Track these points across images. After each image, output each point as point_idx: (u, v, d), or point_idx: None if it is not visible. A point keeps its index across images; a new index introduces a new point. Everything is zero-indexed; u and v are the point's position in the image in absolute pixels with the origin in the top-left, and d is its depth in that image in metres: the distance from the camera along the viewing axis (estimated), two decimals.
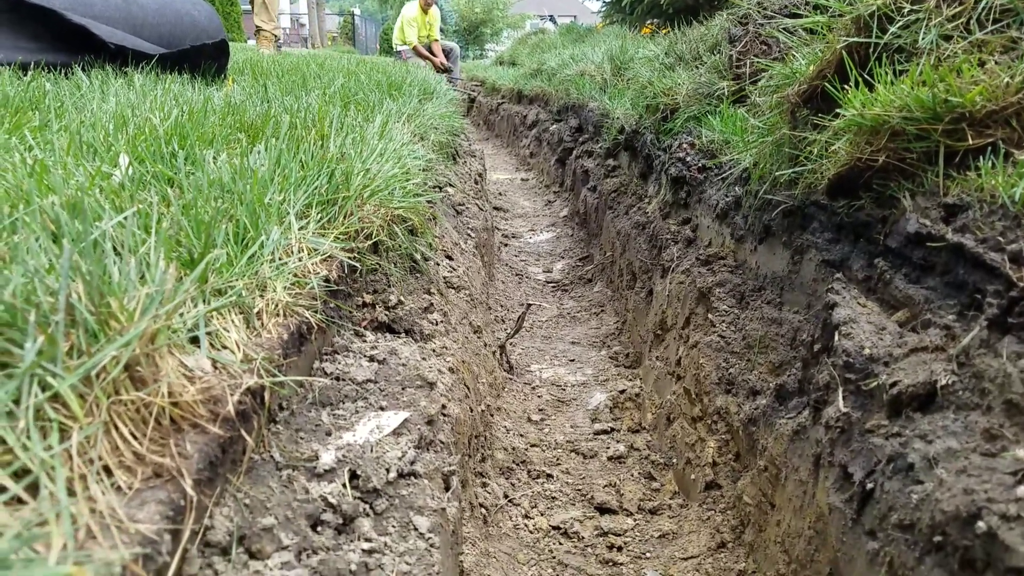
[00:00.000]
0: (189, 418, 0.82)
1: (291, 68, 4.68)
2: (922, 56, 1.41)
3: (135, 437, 0.75)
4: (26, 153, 1.40)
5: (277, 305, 1.13)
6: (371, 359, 1.40)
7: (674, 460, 2.30)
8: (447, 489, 1.22)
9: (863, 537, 1.13)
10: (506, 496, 2.10)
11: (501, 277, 4.23)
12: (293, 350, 1.14)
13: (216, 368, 0.90)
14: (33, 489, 0.65)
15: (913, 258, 1.29)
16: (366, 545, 0.95)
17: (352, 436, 1.13)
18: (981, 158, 1.20)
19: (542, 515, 2.08)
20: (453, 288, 2.28)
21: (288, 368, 1.09)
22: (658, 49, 4.55)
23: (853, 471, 1.20)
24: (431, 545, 1.02)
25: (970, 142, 1.23)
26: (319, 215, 1.44)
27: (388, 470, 1.09)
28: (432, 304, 1.82)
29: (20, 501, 0.64)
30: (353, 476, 1.04)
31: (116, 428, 0.74)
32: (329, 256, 1.36)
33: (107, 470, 0.72)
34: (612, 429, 2.61)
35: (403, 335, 1.59)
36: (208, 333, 0.94)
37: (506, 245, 5.04)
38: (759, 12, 2.75)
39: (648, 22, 8.70)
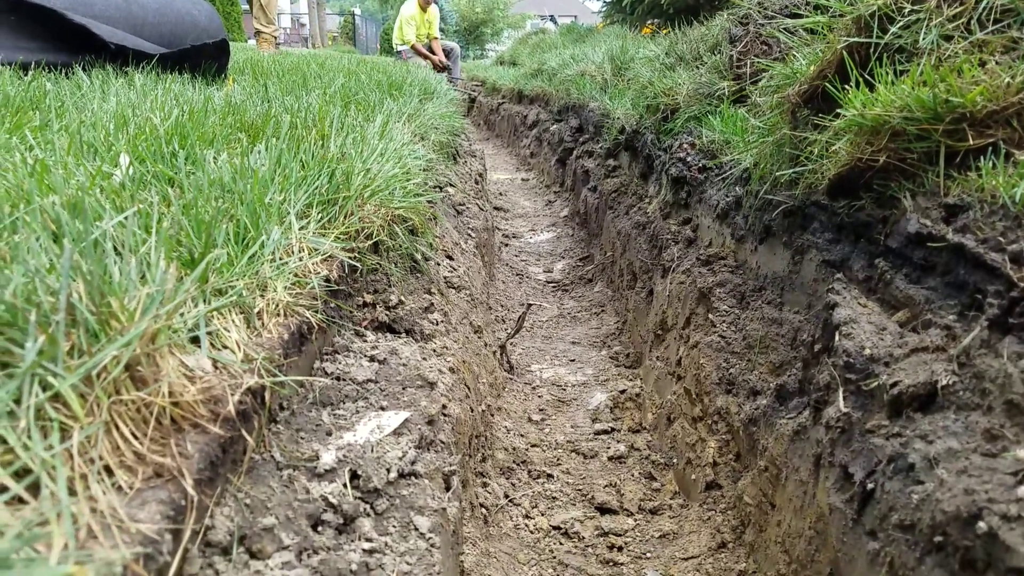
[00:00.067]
0: (190, 418, 0.82)
1: (291, 68, 4.68)
2: (923, 56, 1.41)
3: (136, 437, 0.75)
4: (27, 153, 1.40)
5: (278, 305, 1.13)
6: (372, 359, 1.40)
7: (674, 460, 2.30)
8: (448, 489, 1.22)
9: (864, 537, 1.13)
10: (506, 496, 2.10)
11: (502, 277, 4.23)
12: (294, 350, 1.14)
13: (217, 368, 0.90)
14: (34, 489, 0.65)
15: (914, 258, 1.29)
16: (367, 545, 0.95)
17: (353, 436, 1.13)
18: (982, 158, 1.20)
19: (543, 515, 2.08)
20: (454, 288, 2.28)
21: (289, 368, 1.09)
22: (658, 49, 4.55)
23: (854, 471, 1.20)
24: (432, 545, 1.02)
25: (971, 142, 1.23)
26: (319, 215, 1.44)
27: (389, 470, 1.09)
28: (432, 304, 1.82)
29: (21, 501, 0.64)
30: (354, 476, 1.04)
31: (117, 428, 0.74)
32: (329, 256, 1.36)
33: (108, 470, 0.72)
34: (613, 429, 2.61)
35: (404, 335, 1.59)
36: (209, 333, 0.94)
37: (507, 245, 5.04)
38: (760, 12, 2.75)
39: (649, 22, 8.70)
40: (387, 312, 1.60)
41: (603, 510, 2.12)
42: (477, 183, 4.20)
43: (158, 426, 0.78)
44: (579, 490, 2.22)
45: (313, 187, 1.50)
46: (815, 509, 1.37)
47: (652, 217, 3.36)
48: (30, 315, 0.72)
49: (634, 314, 3.30)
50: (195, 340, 0.90)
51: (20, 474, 0.65)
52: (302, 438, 1.08)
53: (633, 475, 2.31)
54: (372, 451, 1.11)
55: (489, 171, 6.11)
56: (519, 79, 9.92)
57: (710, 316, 2.27)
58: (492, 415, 2.43)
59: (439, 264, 2.24)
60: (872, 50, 1.55)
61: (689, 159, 2.95)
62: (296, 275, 1.21)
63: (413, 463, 1.14)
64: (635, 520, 2.08)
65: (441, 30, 11.14)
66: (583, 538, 2.00)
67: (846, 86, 1.51)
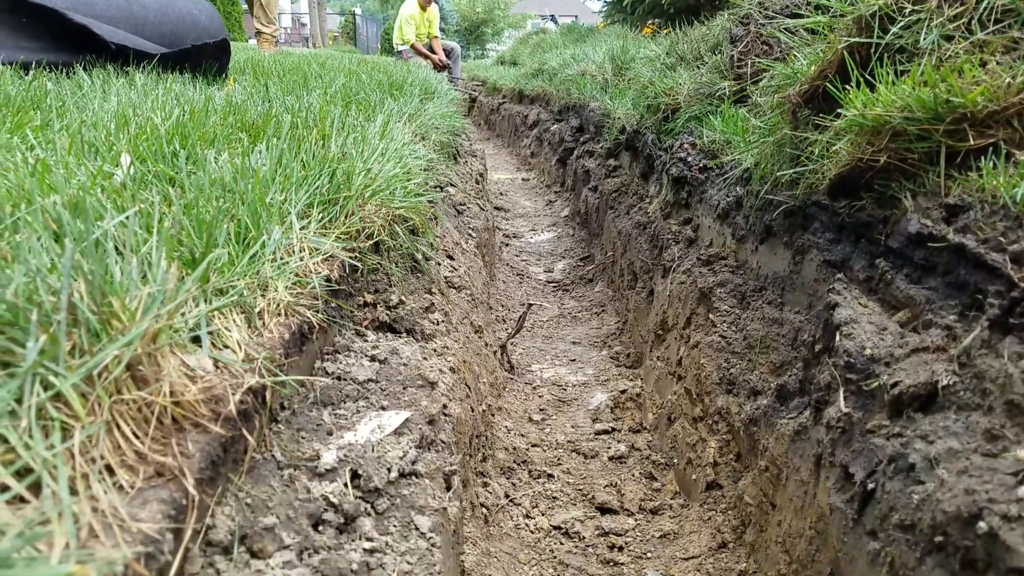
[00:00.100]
0: (191, 417, 0.82)
1: (292, 68, 4.68)
2: (923, 56, 1.41)
3: (137, 436, 0.75)
4: (28, 152, 1.41)
5: (278, 305, 1.13)
6: (372, 359, 1.40)
7: (675, 460, 2.30)
8: (448, 489, 1.23)
9: (864, 537, 1.13)
10: (507, 496, 2.11)
11: (502, 277, 4.23)
12: (294, 350, 1.14)
13: (218, 367, 0.90)
14: (35, 488, 0.65)
15: (914, 258, 1.29)
16: (367, 544, 0.95)
17: (353, 436, 1.13)
18: (982, 158, 1.20)
19: (543, 515, 2.08)
20: (454, 288, 2.28)
21: (289, 368, 1.09)
22: (659, 49, 4.55)
23: (854, 471, 1.20)
24: (432, 545, 1.02)
25: (971, 142, 1.23)
26: (320, 215, 1.44)
27: (389, 470, 1.09)
28: (433, 304, 1.82)
29: (22, 500, 0.64)
30: (354, 476, 1.04)
31: (118, 427, 0.74)
32: (330, 256, 1.36)
33: (109, 469, 0.72)
34: (613, 429, 2.61)
35: (404, 335, 1.59)
36: (210, 332, 0.94)
37: (507, 245, 5.04)
38: (760, 12, 2.75)
39: (649, 22, 8.70)
40: (388, 312, 1.60)
41: (604, 510, 2.12)
42: (478, 183, 4.20)
43: (159, 425, 0.78)
44: (580, 490, 2.22)
45: (314, 187, 1.50)
46: (816, 509, 1.37)
47: (653, 217, 3.36)
48: (31, 315, 0.72)
49: (635, 314, 3.30)
50: (196, 340, 0.90)
51: (21, 473, 0.65)
52: (303, 438, 1.08)
53: (634, 475, 2.31)
54: (373, 451, 1.11)
55: (490, 171, 6.11)
56: (520, 79, 9.92)
57: (711, 316, 2.27)
58: (493, 415, 2.43)
59: (440, 264, 2.24)
60: (873, 50, 1.55)
61: (690, 159, 2.95)
62: (297, 275, 1.21)
63: (414, 463, 1.14)
64: (636, 520, 2.08)
65: (442, 29, 11.13)
66: (584, 538, 2.00)
67: (847, 86, 1.51)
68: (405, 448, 1.15)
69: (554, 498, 2.18)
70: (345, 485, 1.02)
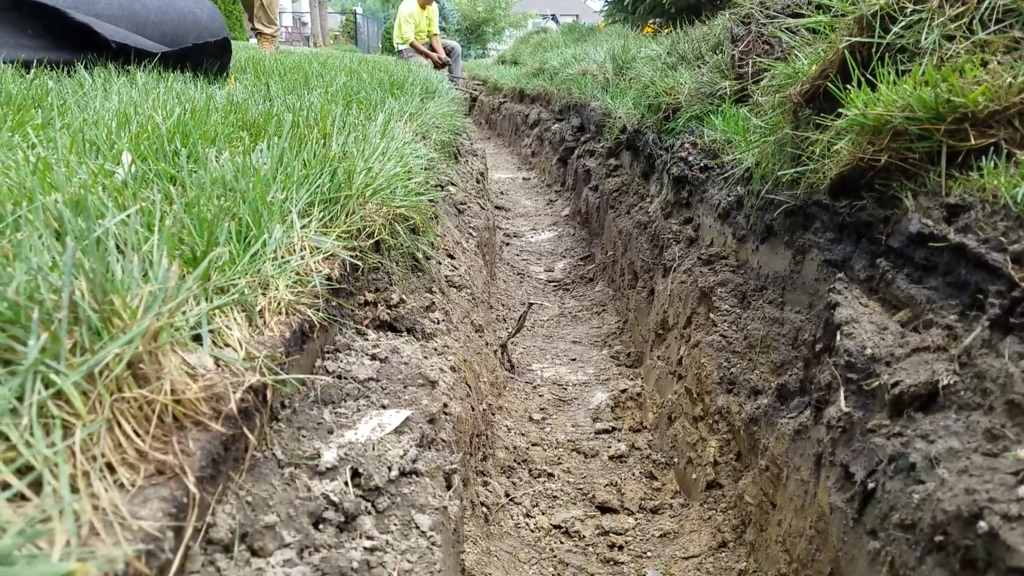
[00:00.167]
0: (192, 416, 0.82)
1: (293, 67, 4.69)
2: (925, 56, 1.41)
3: (138, 434, 0.75)
4: (29, 151, 1.41)
5: (279, 303, 1.13)
6: (373, 357, 1.40)
7: (675, 459, 2.30)
8: (449, 487, 1.23)
9: (864, 537, 1.13)
10: (507, 495, 2.11)
11: (503, 276, 4.23)
12: (295, 348, 1.14)
13: (218, 366, 0.91)
14: (36, 486, 0.65)
15: (915, 258, 1.29)
16: (368, 543, 0.96)
17: (354, 434, 1.13)
18: (983, 158, 1.20)
19: (543, 514, 2.08)
20: (455, 287, 2.28)
21: (290, 366, 1.09)
22: (660, 48, 4.55)
23: (854, 471, 1.20)
24: (432, 543, 1.02)
25: (972, 142, 1.23)
26: (321, 214, 1.44)
27: (390, 468, 1.09)
28: (434, 303, 1.83)
29: (23, 498, 0.64)
30: (355, 474, 1.05)
31: (119, 425, 0.74)
32: (331, 254, 1.36)
33: (110, 467, 0.72)
34: (613, 428, 2.61)
35: (405, 334, 1.59)
36: (211, 331, 0.94)
37: (508, 244, 5.04)
38: (761, 12, 2.75)
39: (650, 21, 8.70)
40: (388, 311, 1.60)
41: (604, 509, 2.12)
42: (478, 182, 4.20)
43: (160, 424, 0.79)
44: (580, 489, 2.23)
45: (315, 186, 1.50)
46: (816, 508, 1.37)
47: (653, 216, 3.36)
48: (33, 313, 0.72)
49: (635, 313, 3.30)
50: (197, 338, 0.90)
51: (22, 471, 0.65)
52: (303, 436, 1.08)
53: (634, 474, 2.31)
54: (373, 449, 1.11)
55: (490, 170, 6.11)
56: (520, 78, 9.92)
57: (711, 315, 2.27)
58: (493, 414, 2.43)
59: (440, 263, 2.24)
60: (874, 50, 1.55)
61: (691, 158, 2.95)
62: (298, 273, 1.21)
63: (414, 461, 1.14)
64: (636, 519, 2.08)
65: (443, 28, 11.14)
66: (584, 537, 2.00)
67: (848, 86, 1.51)
68: (406, 447, 1.15)
69: (554, 497, 2.18)
70: (346, 484, 1.02)
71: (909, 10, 1.52)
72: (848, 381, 1.29)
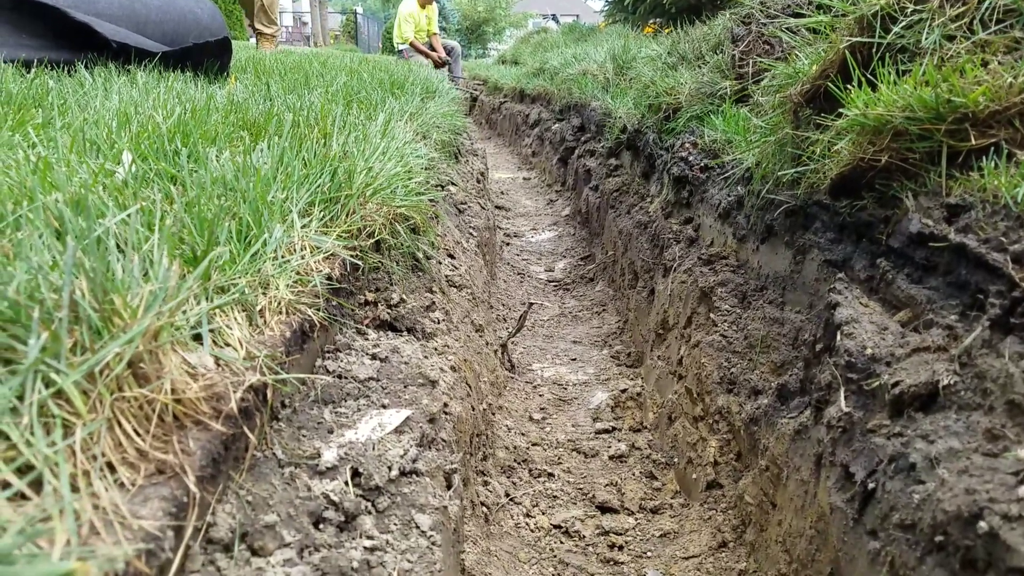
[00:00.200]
0: (192, 415, 0.82)
1: (293, 66, 4.68)
2: (925, 56, 1.41)
3: (138, 434, 0.75)
4: (29, 150, 1.41)
5: (280, 303, 1.13)
6: (373, 357, 1.40)
7: (675, 459, 2.30)
8: (449, 487, 1.23)
9: (864, 537, 1.13)
10: (507, 495, 2.11)
11: (503, 276, 4.23)
12: (296, 348, 1.14)
13: (219, 365, 0.91)
14: (37, 485, 0.65)
15: (915, 258, 1.29)
16: (368, 543, 0.96)
17: (354, 434, 1.13)
18: (984, 158, 1.20)
19: (543, 514, 2.08)
20: (455, 287, 2.28)
21: (291, 366, 1.09)
22: (661, 48, 4.55)
23: (855, 471, 1.20)
24: (433, 543, 1.02)
25: (973, 142, 1.23)
26: (322, 213, 1.44)
27: (390, 468, 1.10)
28: (434, 303, 1.83)
29: (24, 497, 0.64)
30: (355, 474, 1.05)
31: (119, 425, 0.74)
32: (332, 254, 1.36)
33: (110, 466, 0.72)
34: (613, 428, 2.61)
35: (405, 333, 1.59)
36: (211, 330, 0.94)
37: (508, 244, 5.04)
38: (762, 12, 2.75)
39: (651, 21, 8.70)
40: (389, 310, 1.60)
41: (604, 509, 2.12)
42: (479, 182, 4.20)
43: (160, 423, 0.79)
44: (580, 489, 2.23)
45: (315, 185, 1.50)
46: (816, 508, 1.37)
47: (654, 216, 3.36)
48: (33, 312, 0.72)
49: (635, 313, 3.30)
50: (197, 337, 0.90)
51: (23, 470, 0.65)
52: (304, 436, 1.08)
53: (634, 474, 2.31)
54: (373, 449, 1.11)
55: (491, 170, 6.11)
56: (521, 78, 9.92)
57: (711, 315, 2.27)
58: (493, 414, 2.44)
59: (441, 263, 2.24)
60: (874, 50, 1.55)
61: (691, 158, 2.95)
62: (298, 273, 1.21)
63: (414, 461, 1.14)
64: (636, 519, 2.08)
65: (443, 28, 11.15)
66: (584, 537, 2.00)
67: (848, 86, 1.51)
68: (406, 446, 1.15)
69: (554, 497, 2.18)
70: (346, 483, 1.02)
71: (910, 10, 1.52)
72: (848, 381, 1.29)
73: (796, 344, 1.80)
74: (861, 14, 1.59)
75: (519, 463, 2.30)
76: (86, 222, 0.91)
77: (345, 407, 1.20)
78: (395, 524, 1.02)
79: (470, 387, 1.92)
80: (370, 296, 1.61)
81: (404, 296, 1.67)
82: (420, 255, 1.92)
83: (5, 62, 2.58)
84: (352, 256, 1.46)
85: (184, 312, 0.90)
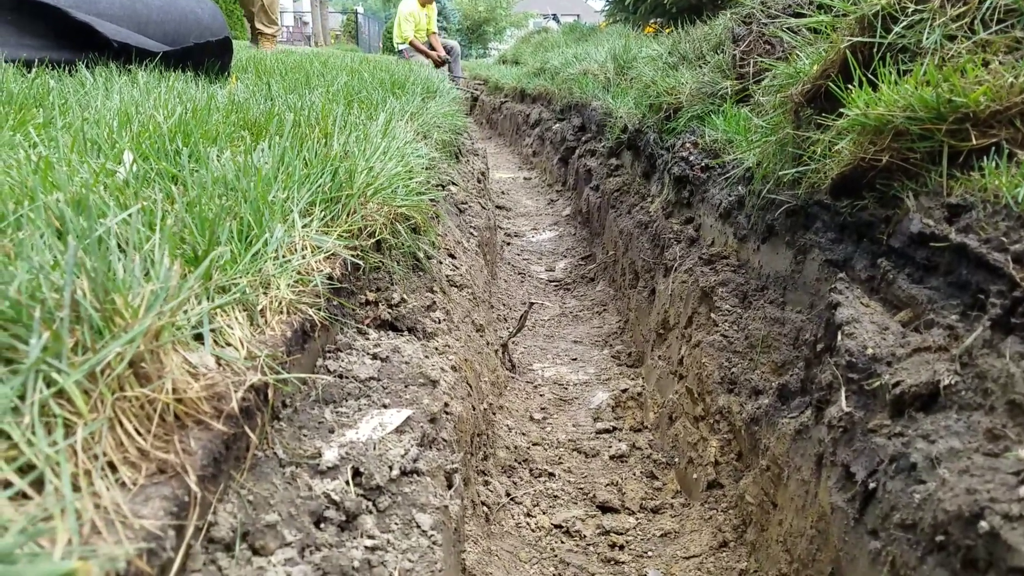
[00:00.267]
0: (193, 414, 0.82)
1: (294, 66, 4.69)
2: (926, 56, 1.41)
3: (139, 433, 0.76)
4: (31, 150, 1.41)
5: (281, 302, 1.13)
6: (374, 357, 1.40)
7: (676, 459, 2.30)
8: (450, 487, 1.23)
9: (865, 537, 1.13)
10: (508, 494, 2.11)
11: (504, 276, 4.23)
12: (296, 347, 1.14)
13: (220, 365, 0.91)
14: (38, 484, 0.65)
15: (916, 258, 1.29)
16: (369, 542, 0.96)
17: (355, 433, 1.13)
18: (985, 158, 1.20)
19: (544, 513, 2.08)
20: (456, 286, 2.29)
21: (292, 365, 1.09)
22: (661, 48, 4.55)
23: (855, 471, 1.20)
24: (433, 542, 1.02)
25: (974, 142, 1.23)
26: (322, 213, 1.44)
27: (391, 468, 1.10)
28: (435, 302, 1.83)
29: (25, 496, 0.64)
30: (356, 473, 1.05)
31: (121, 424, 0.74)
32: (332, 254, 1.36)
33: (112, 466, 0.72)
34: (614, 428, 2.61)
35: (406, 333, 1.59)
36: (212, 330, 0.94)
37: (509, 244, 5.04)
38: (763, 12, 2.75)
39: (651, 21, 8.69)
40: (389, 310, 1.60)
41: (605, 509, 2.12)
42: (479, 182, 4.20)
43: (162, 422, 0.79)
44: (581, 489, 2.23)
45: (316, 185, 1.50)
46: (817, 508, 1.37)
47: (654, 216, 3.36)
48: (34, 311, 0.73)
49: (636, 313, 3.30)
50: (198, 337, 0.90)
51: (24, 470, 0.65)
52: (305, 435, 1.08)
53: (635, 474, 2.31)
54: (374, 449, 1.11)
55: (491, 170, 6.11)
56: (521, 78, 9.92)
57: (712, 315, 2.27)
58: (494, 413, 2.44)
59: (441, 262, 2.24)
60: (875, 50, 1.55)
61: (692, 158, 2.95)
62: (299, 273, 1.21)
63: (415, 461, 1.14)
64: (636, 519, 2.08)
65: (444, 28, 11.19)
66: (584, 537, 2.00)
67: (849, 86, 1.51)
68: (407, 446, 1.15)
69: (555, 497, 2.18)
70: (347, 483, 1.02)
71: (911, 10, 1.52)
72: (849, 381, 1.29)
73: (797, 344, 1.80)
74: (862, 14, 1.59)
75: (520, 463, 2.30)
76: (87, 222, 0.91)
77: (346, 407, 1.20)
78: (396, 523, 1.03)
79: (471, 387, 1.92)
80: (371, 296, 1.61)
81: (405, 296, 1.67)
82: (421, 255, 1.92)
83: (6, 62, 2.58)
84: (353, 256, 1.46)
85: (185, 312, 0.90)
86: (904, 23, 1.51)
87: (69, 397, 0.71)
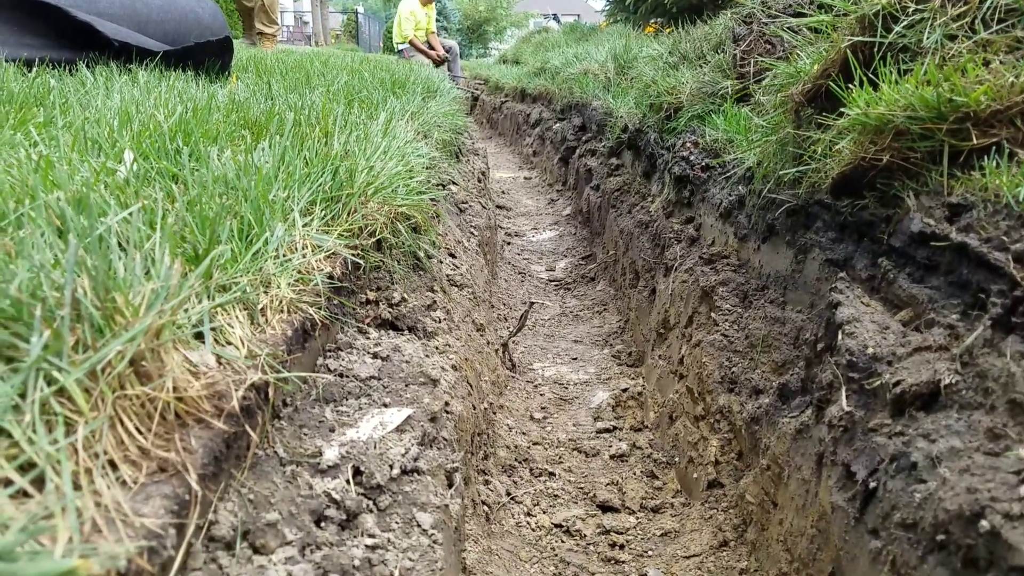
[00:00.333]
0: (194, 413, 0.82)
1: (295, 66, 4.69)
2: (927, 55, 1.41)
3: (140, 432, 0.76)
4: (31, 149, 1.41)
5: (281, 301, 1.13)
6: (374, 356, 1.40)
7: (676, 459, 2.30)
8: (450, 486, 1.23)
9: (866, 536, 1.13)
10: (508, 494, 2.11)
11: (504, 275, 4.23)
12: (297, 346, 1.14)
13: (220, 364, 0.91)
14: (39, 483, 0.65)
15: (917, 257, 1.29)
16: (369, 541, 0.96)
17: (355, 432, 1.13)
18: (985, 158, 1.20)
19: (544, 513, 2.08)
20: (456, 286, 2.28)
21: (292, 364, 1.09)
22: (662, 48, 4.55)
23: (856, 470, 1.20)
24: (434, 541, 1.02)
25: (975, 142, 1.23)
26: (323, 212, 1.44)
27: (391, 467, 1.10)
28: (435, 302, 1.83)
29: (26, 494, 0.64)
30: (356, 472, 1.05)
31: (121, 423, 0.74)
32: (333, 253, 1.36)
33: (112, 464, 0.72)
34: (614, 427, 2.61)
35: (406, 332, 1.59)
36: (212, 329, 0.94)
37: (509, 243, 5.04)
38: (763, 11, 2.75)
39: (652, 21, 8.69)
40: (390, 309, 1.60)
41: (605, 508, 2.12)
42: (480, 181, 4.20)
43: (162, 421, 0.79)
44: (581, 488, 2.23)
45: (316, 184, 1.50)
46: (817, 508, 1.37)
47: (655, 216, 3.36)
48: (35, 310, 0.73)
49: (636, 313, 3.30)
50: (199, 336, 0.90)
51: (25, 468, 0.65)
52: (305, 434, 1.08)
53: (635, 473, 2.31)
54: (375, 448, 1.11)
55: (492, 169, 6.11)
56: (522, 77, 9.92)
57: (713, 315, 2.27)
58: (494, 413, 2.44)
59: (442, 262, 2.24)
60: (876, 49, 1.55)
61: (692, 158, 2.95)
62: (299, 272, 1.21)
63: (416, 460, 1.14)
64: (637, 518, 2.08)
65: (444, 28, 11.23)
66: (585, 536, 2.00)
67: (850, 85, 1.51)
68: (407, 445, 1.16)
69: (555, 496, 2.18)
70: (347, 482, 1.02)
71: (911, 9, 1.52)
72: (850, 380, 1.29)
73: (797, 343, 1.80)
74: (863, 13, 1.59)
75: (520, 462, 2.30)
76: (88, 220, 0.91)
77: (346, 406, 1.20)
78: (396, 522, 1.03)
79: (471, 386, 1.92)
80: (371, 295, 1.61)
81: (405, 295, 1.67)
82: (421, 254, 1.92)
83: (7, 61, 2.58)
84: (353, 255, 1.46)
85: (186, 310, 0.90)
86: (905, 23, 1.51)
87: (70, 395, 0.71)
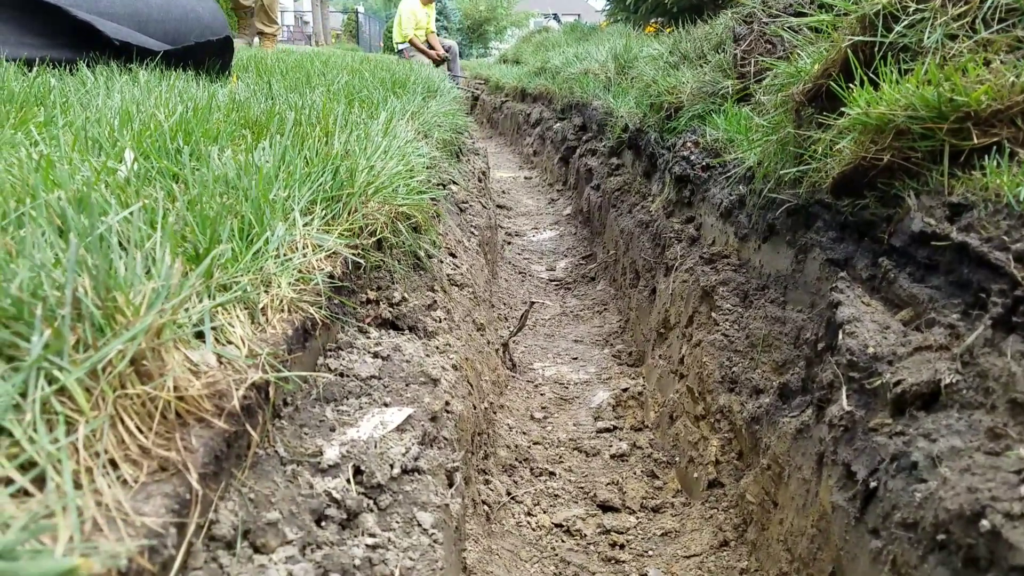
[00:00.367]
0: (194, 412, 0.82)
1: (295, 65, 4.69)
2: (927, 55, 1.41)
3: (141, 431, 0.76)
4: (32, 148, 1.41)
5: (282, 301, 1.13)
6: (375, 355, 1.40)
7: (677, 458, 2.30)
8: (450, 485, 1.23)
9: (866, 536, 1.13)
10: (509, 493, 2.11)
11: (504, 275, 4.23)
12: (297, 346, 1.14)
13: (221, 363, 0.91)
14: (40, 482, 0.65)
15: (917, 257, 1.29)
16: (370, 540, 0.96)
17: (356, 432, 1.13)
18: (986, 157, 1.20)
19: (545, 513, 2.08)
20: (456, 285, 2.29)
21: (292, 364, 1.09)
22: (662, 48, 4.55)
23: (856, 470, 1.20)
24: (434, 541, 1.02)
25: (975, 141, 1.23)
26: (323, 212, 1.44)
27: (392, 466, 1.10)
28: (436, 301, 1.83)
29: (27, 493, 0.64)
30: (357, 472, 1.05)
31: (122, 422, 0.74)
32: (333, 252, 1.36)
33: (113, 463, 0.72)
34: (615, 427, 2.61)
35: (407, 332, 1.59)
36: (213, 328, 0.94)
37: (509, 243, 5.04)
38: (764, 11, 2.75)
39: (652, 21, 8.68)
40: (390, 309, 1.60)
41: (605, 508, 2.12)
42: (480, 181, 4.20)
43: (163, 420, 0.79)
44: (581, 488, 2.23)
45: (317, 184, 1.50)
46: (817, 507, 1.37)
47: (655, 215, 3.36)
48: (36, 309, 0.73)
49: (637, 312, 3.30)
50: (200, 335, 0.90)
51: (26, 467, 0.65)
52: (306, 434, 1.08)
53: (635, 473, 2.31)
54: (375, 447, 1.11)
55: (492, 169, 6.11)
56: (522, 77, 9.92)
57: (713, 315, 2.27)
58: (495, 412, 2.44)
59: (442, 262, 2.24)
60: (877, 49, 1.55)
61: (693, 157, 2.95)
62: (300, 271, 1.21)
63: (416, 459, 1.14)
64: (637, 518, 2.08)
65: (444, 28, 11.25)
66: (585, 536, 2.00)
67: (850, 85, 1.51)
68: (408, 445, 1.16)
69: (556, 496, 2.18)
70: (348, 481, 1.02)
71: (912, 9, 1.52)
72: (850, 380, 1.29)
73: (798, 343, 1.80)
74: (863, 13, 1.59)
75: (520, 462, 2.30)
76: (88, 219, 0.91)
77: (347, 405, 1.21)
78: (397, 522, 1.03)
79: (472, 386, 1.92)
80: (372, 294, 1.61)
81: (406, 295, 1.67)
82: (422, 254, 1.92)
83: (8, 60, 2.58)
84: (354, 254, 1.46)
85: (186, 310, 0.90)
86: (905, 22, 1.51)
87: (70, 395, 0.71)
